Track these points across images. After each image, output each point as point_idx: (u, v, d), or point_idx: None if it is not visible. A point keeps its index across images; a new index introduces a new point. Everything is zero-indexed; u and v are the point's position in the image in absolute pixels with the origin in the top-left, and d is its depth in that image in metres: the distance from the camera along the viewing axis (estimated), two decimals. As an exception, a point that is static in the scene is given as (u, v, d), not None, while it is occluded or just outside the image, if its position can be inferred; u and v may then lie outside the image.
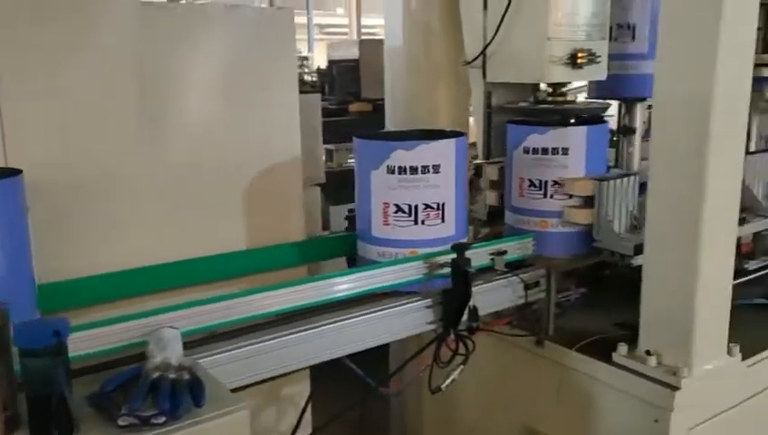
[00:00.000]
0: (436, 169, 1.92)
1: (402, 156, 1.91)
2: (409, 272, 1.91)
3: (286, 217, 2.19)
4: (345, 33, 21.51)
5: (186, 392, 1.26)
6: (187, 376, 1.31)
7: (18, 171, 1.52)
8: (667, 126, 1.85)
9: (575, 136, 2.17)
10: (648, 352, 1.93)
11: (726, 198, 1.86)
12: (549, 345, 2.17)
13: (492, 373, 2.38)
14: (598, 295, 2.43)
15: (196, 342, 1.61)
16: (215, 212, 2.04)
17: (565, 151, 2.15)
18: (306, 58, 9.06)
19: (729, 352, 1.97)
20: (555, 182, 2.17)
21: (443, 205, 1.95)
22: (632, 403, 1.95)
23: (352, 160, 2.11)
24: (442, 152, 1.94)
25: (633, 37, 2.51)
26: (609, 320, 2.24)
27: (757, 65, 2.67)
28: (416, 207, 1.93)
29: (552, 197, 2.18)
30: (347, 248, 2.18)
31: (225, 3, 2.03)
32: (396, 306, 1.85)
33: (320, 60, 6.73)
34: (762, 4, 2.62)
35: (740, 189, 1.91)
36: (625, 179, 2.19)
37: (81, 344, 1.42)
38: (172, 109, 1.93)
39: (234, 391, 1.55)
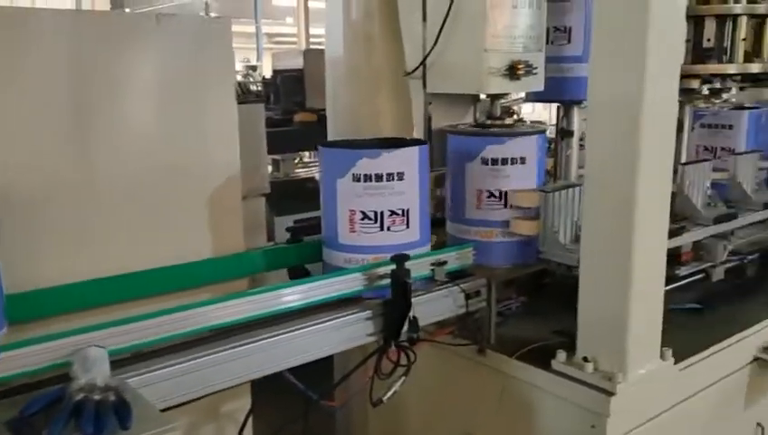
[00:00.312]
0: (401, 176, 1.98)
1: (368, 164, 1.96)
2: (349, 284, 1.90)
3: (224, 229, 2.15)
4: (294, 43, 21.46)
5: (111, 415, 1.22)
6: (112, 397, 1.26)
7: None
8: (600, 133, 1.89)
9: (529, 145, 2.20)
10: (585, 359, 1.96)
11: (657, 205, 1.91)
12: (490, 354, 2.19)
13: (435, 383, 2.38)
14: (539, 303, 2.47)
15: (128, 360, 1.56)
16: (151, 224, 1.99)
17: (522, 161, 2.20)
18: (255, 67, 9.01)
19: (662, 357, 2.02)
20: (501, 193, 2.19)
21: (407, 211, 2.01)
22: (570, 410, 1.97)
23: (300, 170, 2.11)
24: (406, 160, 2.00)
25: (569, 40, 2.56)
26: (549, 327, 2.27)
27: (686, 76, 2.77)
28: (381, 213, 1.98)
29: (500, 207, 2.21)
30: (306, 257, 2.22)
31: (162, 12, 2.00)
32: (335, 319, 1.83)
33: (269, 69, 6.70)
34: (689, 17, 2.73)
35: (669, 197, 1.96)
36: (570, 190, 2.22)
37: (1, 366, 1.36)
38: (106, 120, 1.89)
39: (168, 409, 1.51)
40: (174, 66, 1.99)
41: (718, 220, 2.51)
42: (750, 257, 2.74)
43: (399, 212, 2.00)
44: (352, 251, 2.03)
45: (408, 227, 2.02)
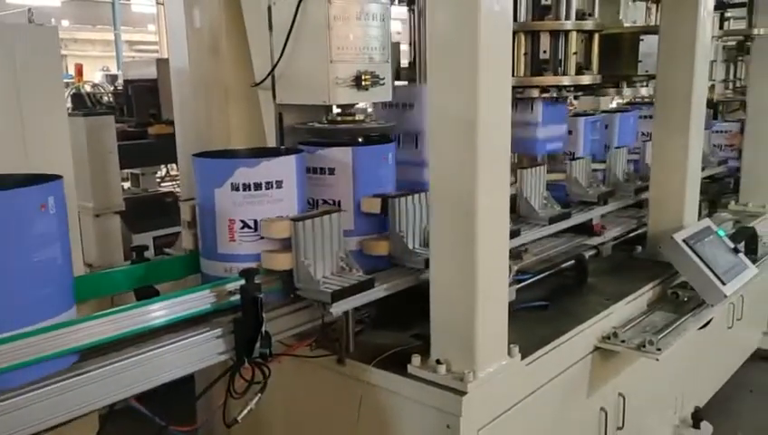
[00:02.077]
0: (280, 184, 1.99)
1: (246, 173, 1.96)
2: (197, 302, 1.83)
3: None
4: (157, 51, 20.62)
5: None
6: None
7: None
8: (441, 146, 1.96)
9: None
10: (438, 361, 2.02)
11: (497, 210, 2.01)
12: (350, 363, 2.20)
13: (297, 396, 2.36)
14: (399, 308, 2.50)
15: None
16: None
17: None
18: (116, 77, 8.53)
19: (510, 354, 2.11)
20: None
21: None
22: (426, 412, 2.02)
23: (166, 184, 2.03)
24: (284, 168, 2.01)
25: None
26: (408, 332, 2.32)
27: (527, 87, 2.95)
28: (261, 221, 1.98)
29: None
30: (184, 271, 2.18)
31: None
32: (182, 339, 1.75)
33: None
34: (526, 32, 2.91)
35: (508, 202, 2.07)
36: (416, 196, 2.28)
37: None
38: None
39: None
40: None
41: (553, 220, 2.70)
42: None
43: None
44: (232, 260, 2.00)
45: None
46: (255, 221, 1.99)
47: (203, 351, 1.78)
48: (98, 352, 1.66)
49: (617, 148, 3.61)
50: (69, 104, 5.23)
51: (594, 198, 3.20)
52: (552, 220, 2.80)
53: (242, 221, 1.98)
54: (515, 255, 2.63)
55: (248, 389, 1.89)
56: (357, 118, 2.37)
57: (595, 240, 3.22)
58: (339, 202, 2.26)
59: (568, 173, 3.20)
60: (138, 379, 1.67)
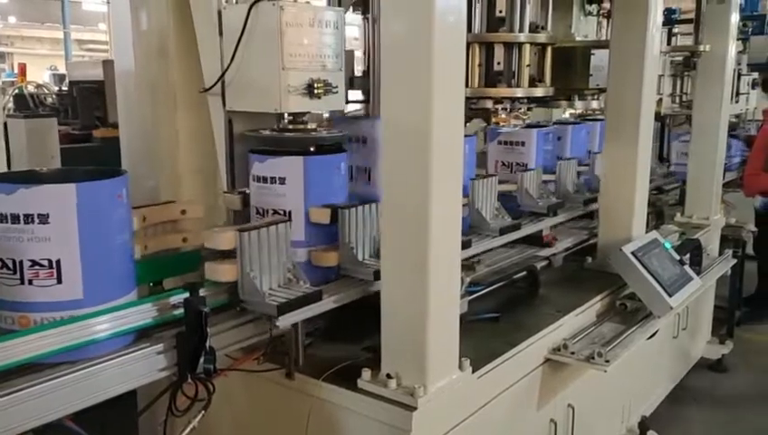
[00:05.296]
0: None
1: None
2: (139, 316, 1.76)
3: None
4: (108, 51, 20.13)
5: None
6: None
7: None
8: (394, 159, 1.94)
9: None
10: (388, 375, 1.99)
11: (449, 222, 1.99)
12: (299, 377, 2.15)
13: (244, 410, 2.30)
14: (352, 319, 2.45)
15: None
16: None
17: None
18: (64, 76, 8.25)
19: (461, 367, 2.10)
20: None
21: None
22: (376, 427, 1.98)
23: None
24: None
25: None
26: (360, 344, 2.28)
27: (481, 98, 2.96)
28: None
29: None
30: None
31: None
32: (122, 356, 1.68)
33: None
34: (481, 43, 2.91)
35: (460, 216, 2.05)
36: (366, 206, 2.25)
37: None
38: None
39: None
40: None
41: (504, 231, 2.71)
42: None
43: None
44: None
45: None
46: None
47: (143, 367, 1.71)
48: (29, 370, 1.57)
49: (566, 159, 3.66)
50: (11, 105, 5.04)
51: (544, 210, 3.23)
52: (503, 231, 2.81)
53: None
54: (468, 266, 2.62)
55: (191, 406, 1.82)
56: (309, 126, 2.32)
57: (546, 251, 3.25)
58: (289, 212, 2.20)
59: (519, 184, 3.22)
60: (72, 398, 1.58)
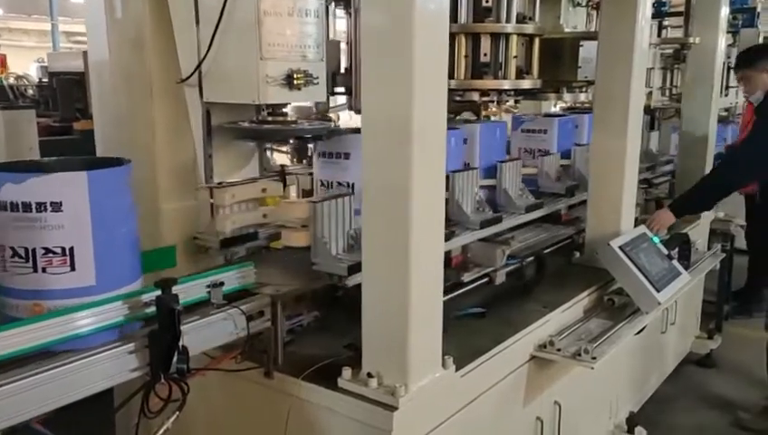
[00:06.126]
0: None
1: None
2: (108, 315, 1.70)
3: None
4: (94, 43, 19.89)
5: None
6: None
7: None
8: (374, 151, 1.87)
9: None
10: (369, 375, 1.93)
11: (431, 216, 1.93)
12: (278, 376, 2.09)
13: (221, 410, 2.24)
14: (334, 316, 2.40)
15: None
16: None
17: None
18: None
19: (443, 365, 2.04)
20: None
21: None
22: (357, 428, 1.93)
23: None
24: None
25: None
26: (341, 342, 2.22)
27: (467, 90, 2.90)
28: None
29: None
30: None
31: None
32: (91, 356, 1.62)
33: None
34: (467, 34, 2.85)
35: (443, 209, 2.00)
36: (340, 200, 2.20)
37: None
38: None
39: None
40: None
41: (484, 224, 2.67)
42: (527, 260, 2.92)
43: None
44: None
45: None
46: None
47: (113, 367, 1.65)
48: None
49: (581, 145, 3.74)
50: (-10, 96, 4.94)
51: (563, 191, 3.48)
52: (528, 209, 3.05)
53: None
54: (503, 241, 2.86)
55: (165, 407, 1.77)
56: (288, 118, 2.26)
57: (571, 229, 3.43)
58: (353, 185, 2.35)
59: (539, 168, 3.48)
60: (38, 399, 1.52)
